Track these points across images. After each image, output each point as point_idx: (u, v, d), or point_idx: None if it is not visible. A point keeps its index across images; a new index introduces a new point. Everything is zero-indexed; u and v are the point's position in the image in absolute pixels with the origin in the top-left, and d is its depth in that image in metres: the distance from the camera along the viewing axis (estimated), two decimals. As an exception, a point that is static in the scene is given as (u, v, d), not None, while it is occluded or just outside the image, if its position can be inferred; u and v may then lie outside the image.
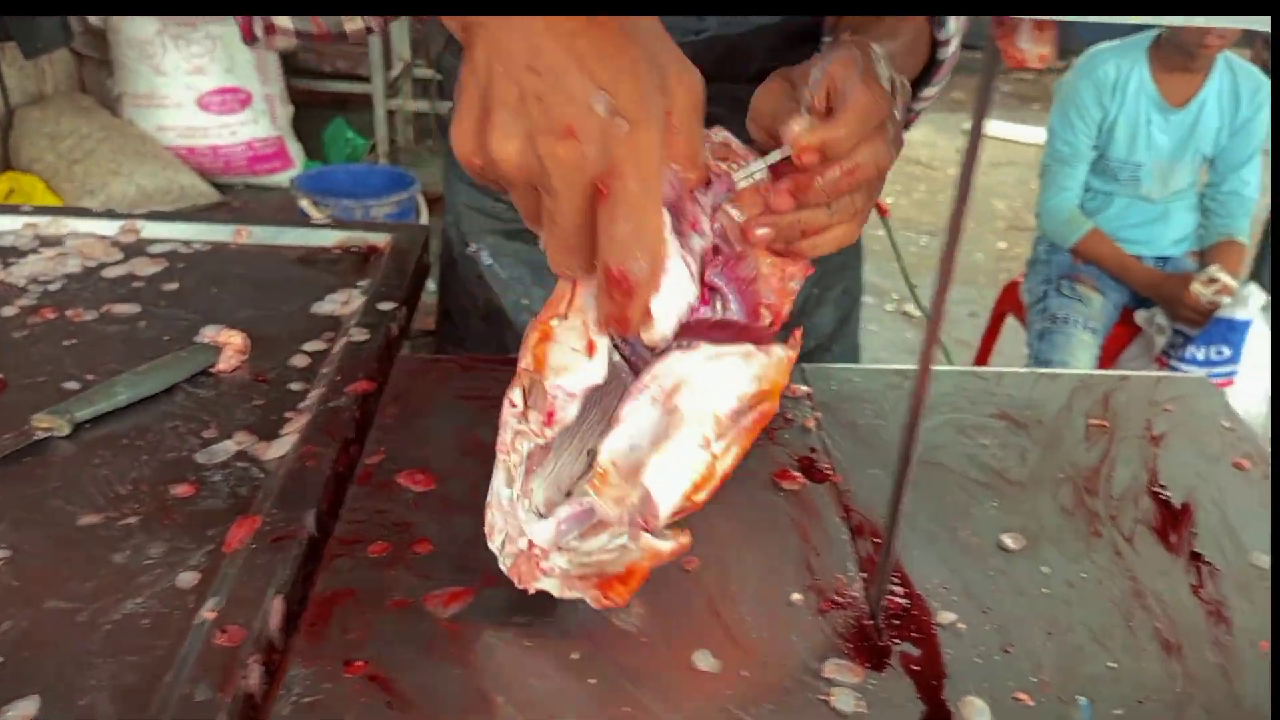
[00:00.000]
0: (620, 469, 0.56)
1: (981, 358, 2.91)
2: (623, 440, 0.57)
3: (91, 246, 1.03)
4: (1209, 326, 2.31)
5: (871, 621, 0.63)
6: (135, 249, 1.04)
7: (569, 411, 0.58)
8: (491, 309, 1.05)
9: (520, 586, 0.60)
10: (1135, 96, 2.43)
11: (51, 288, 0.97)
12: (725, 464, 0.59)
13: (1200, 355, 2.31)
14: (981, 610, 0.64)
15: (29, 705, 0.56)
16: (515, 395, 0.59)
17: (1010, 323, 2.86)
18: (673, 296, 0.57)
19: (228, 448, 0.76)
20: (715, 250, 0.62)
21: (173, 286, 0.98)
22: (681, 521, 0.59)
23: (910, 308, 4.03)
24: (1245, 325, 2.28)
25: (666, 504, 0.56)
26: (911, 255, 4.50)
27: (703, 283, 0.61)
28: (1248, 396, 2.30)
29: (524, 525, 0.59)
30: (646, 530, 0.56)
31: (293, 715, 0.56)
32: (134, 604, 0.62)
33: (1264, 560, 0.70)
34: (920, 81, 0.87)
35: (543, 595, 0.63)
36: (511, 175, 0.52)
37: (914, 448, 0.56)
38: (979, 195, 5.20)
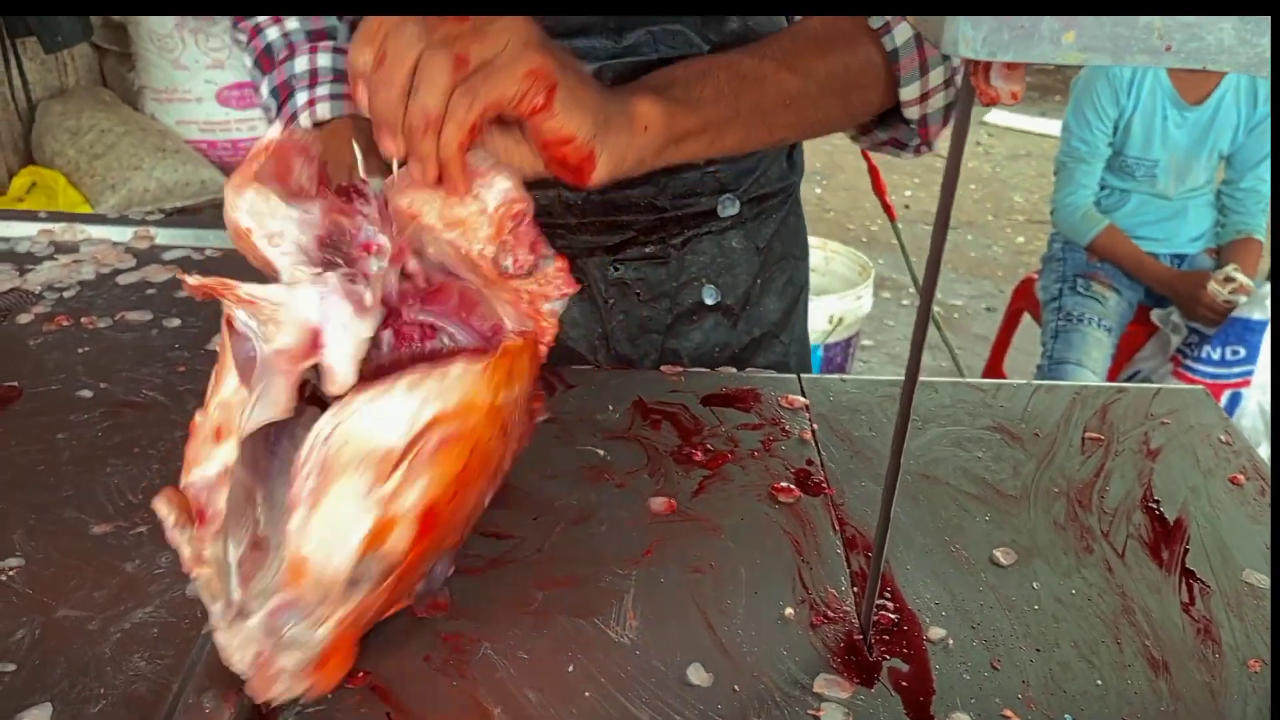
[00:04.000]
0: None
1: (996, 356, 2.90)
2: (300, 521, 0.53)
3: (106, 253, 1.05)
4: (1225, 326, 2.30)
5: (862, 637, 0.64)
6: (149, 255, 1.06)
7: (217, 503, 0.55)
8: None
9: (259, 701, 0.56)
10: (1151, 93, 2.42)
11: (67, 294, 0.99)
12: (410, 500, 0.54)
13: (1216, 355, 2.31)
14: (971, 626, 0.65)
15: (41, 712, 0.57)
16: (159, 506, 0.56)
17: (1027, 319, 2.85)
18: (339, 339, 0.54)
19: (236, 457, 0.78)
20: (408, 288, 0.60)
21: (184, 293, 1.00)
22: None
23: (926, 302, 4.01)
24: (1262, 325, 2.27)
25: (338, 565, 0.53)
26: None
27: (408, 321, 0.60)
28: (1263, 397, 2.29)
29: (237, 638, 0.55)
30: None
31: (294, 725, 0.57)
32: (144, 613, 0.64)
33: (1255, 578, 0.70)
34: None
35: (542, 611, 0.64)
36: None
37: (897, 474, 0.57)
38: (997, 188, 5.19)
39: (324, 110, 0.89)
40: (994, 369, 2.91)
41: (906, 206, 4.88)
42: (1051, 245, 2.67)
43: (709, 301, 1.00)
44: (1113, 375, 2.51)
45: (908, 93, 0.86)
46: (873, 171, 2.54)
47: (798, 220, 1.10)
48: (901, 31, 0.83)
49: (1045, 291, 2.61)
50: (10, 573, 0.67)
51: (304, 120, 0.89)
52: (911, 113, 0.88)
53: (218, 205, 2.57)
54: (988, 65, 0.43)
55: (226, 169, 3.36)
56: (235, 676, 0.58)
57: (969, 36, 0.38)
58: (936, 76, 0.86)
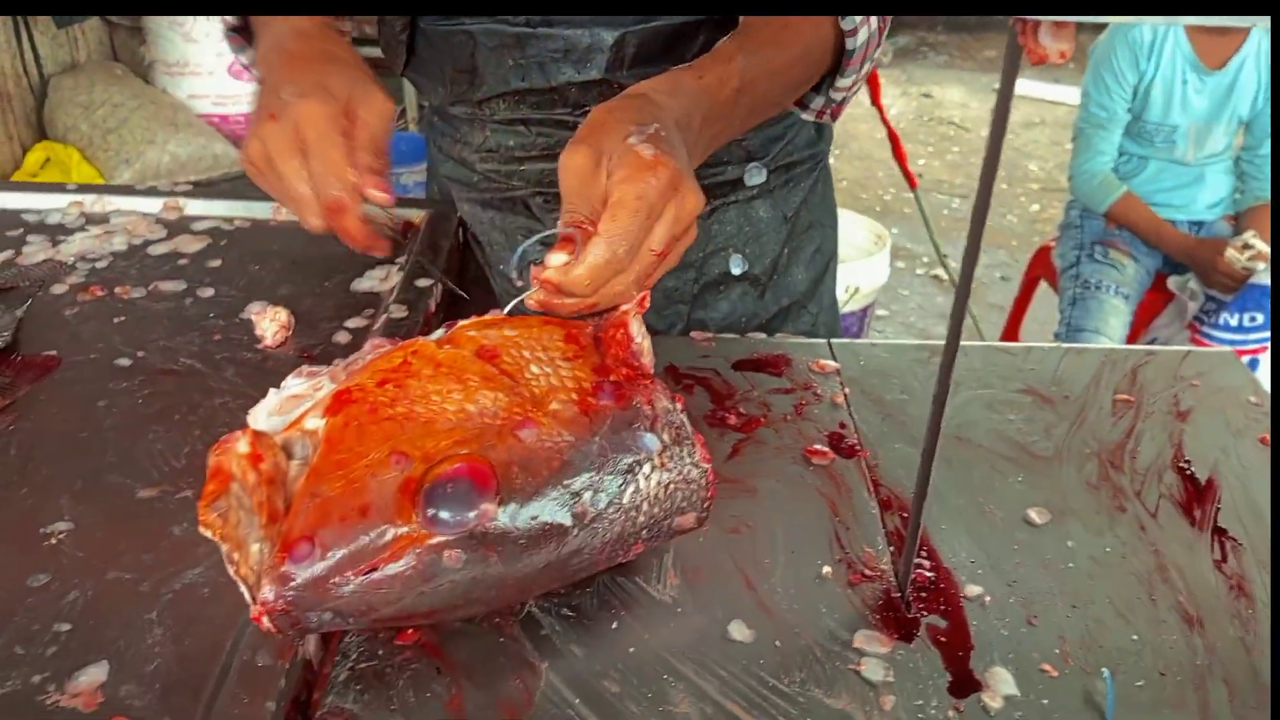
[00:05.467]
0: None
1: (1013, 323, 2.90)
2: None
3: (136, 224, 1.06)
4: (1242, 293, 2.29)
5: (900, 594, 0.65)
6: (179, 226, 1.07)
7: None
8: (471, 274, 1.12)
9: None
10: (1171, 58, 2.40)
11: (99, 265, 1.00)
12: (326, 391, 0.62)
13: (1233, 322, 2.30)
14: (1007, 584, 0.66)
15: (99, 670, 0.59)
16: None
17: (1043, 287, 2.84)
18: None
19: (276, 423, 0.79)
20: None
21: (216, 263, 1.01)
22: None
23: (940, 271, 4.00)
24: (1280, 291, 2.26)
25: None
26: (944, 218, 4.48)
27: None
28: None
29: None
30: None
31: (348, 681, 0.59)
32: (193, 574, 0.65)
33: (1287, 535, 0.71)
34: (833, 72, 0.91)
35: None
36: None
37: (939, 427, 0.58)
38: (1011, 156, 5.15)
39: None
40: (1010, 337, 2.90)
41: (920, 175, 4.85)
42: (1069, 212, 2.65)
43: (736, 271, 1.01)
44: (1130, 342, 2.51)
45: (844, 82, 0.91)
46: (893, 139, 2.53)
47: (826, 188, 1.10)
48: (863, 33, 0.87)
49: (1063, 259, 2.60)
50: (60, 536, 0.68)
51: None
52: (838, 95, 0.93)
53: (231, 179, 2.57)
54: (1036, 24, 0.43)
55: (239, 142, 3.35)
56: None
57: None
58: (865, 70, 0.91)
